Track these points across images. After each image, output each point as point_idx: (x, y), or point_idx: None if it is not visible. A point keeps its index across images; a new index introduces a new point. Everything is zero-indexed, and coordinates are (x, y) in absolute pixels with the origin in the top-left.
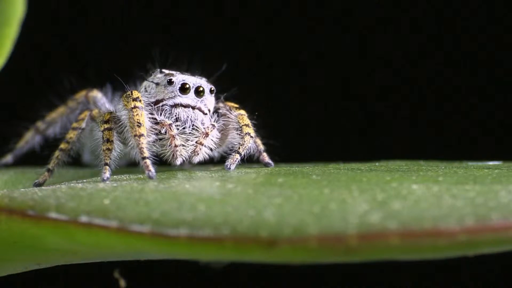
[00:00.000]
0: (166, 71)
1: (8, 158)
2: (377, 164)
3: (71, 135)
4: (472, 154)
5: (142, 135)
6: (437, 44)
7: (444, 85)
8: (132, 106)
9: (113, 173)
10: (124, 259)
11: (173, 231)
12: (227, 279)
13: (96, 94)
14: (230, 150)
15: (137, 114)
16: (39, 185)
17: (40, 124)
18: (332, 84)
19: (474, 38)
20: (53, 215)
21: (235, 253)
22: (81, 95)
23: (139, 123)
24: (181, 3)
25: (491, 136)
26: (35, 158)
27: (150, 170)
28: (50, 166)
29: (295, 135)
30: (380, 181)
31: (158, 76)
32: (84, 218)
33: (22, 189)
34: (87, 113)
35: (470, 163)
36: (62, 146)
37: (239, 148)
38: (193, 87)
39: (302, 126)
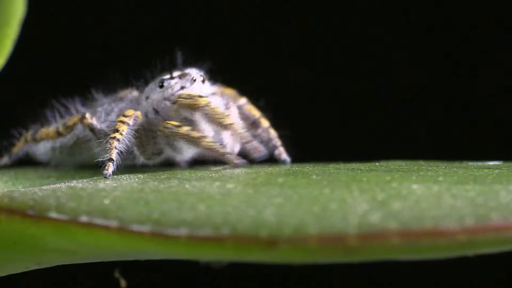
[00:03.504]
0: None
1: (6, 159)
2: (377, 164)
3: (123, 127)
4: (472, 154)
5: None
6: (437, 44)
7: (444, 85)
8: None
9: (113, 173)
10: (124, 259)
11: (173, 231)
12: (227, 279)
13: (92, 120)
14: (268, 146)
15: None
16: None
17: (30, 139)
18: (332, 84)
19: (474, 38)
20: (53, 215)
21: (235, 253)
22: (74, 121)
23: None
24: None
25: (491, 136)
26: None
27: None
28: (112, 156)
29: (295, 135)
30: (380, 181)
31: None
32: (84, 218)
33: (22, 189)
34: (133, 112)
35: (470, 163)
36: (116, 135)
37: (276, 142)
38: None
39: (302, 126)
